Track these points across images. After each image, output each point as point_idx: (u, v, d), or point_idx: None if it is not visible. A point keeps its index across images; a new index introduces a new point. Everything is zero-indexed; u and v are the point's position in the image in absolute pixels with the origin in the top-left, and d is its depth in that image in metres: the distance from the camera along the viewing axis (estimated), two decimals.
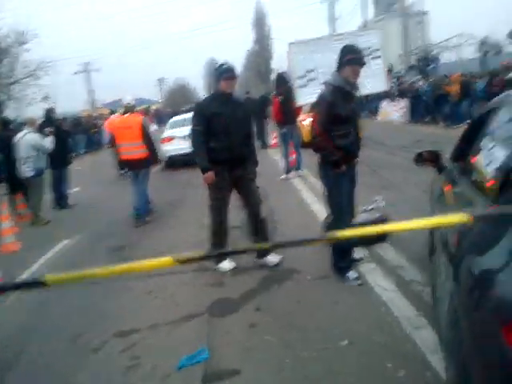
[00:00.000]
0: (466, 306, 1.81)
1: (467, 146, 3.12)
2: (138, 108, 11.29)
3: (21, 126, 9.92)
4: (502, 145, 2.33)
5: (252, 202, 4.77)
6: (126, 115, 7.68)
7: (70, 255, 6.21)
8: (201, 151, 4.59)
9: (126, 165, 7.76)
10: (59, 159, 9.20)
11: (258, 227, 4.77)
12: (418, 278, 3.99)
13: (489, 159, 2.44)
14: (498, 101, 2.86)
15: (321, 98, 4.12)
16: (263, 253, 4.71)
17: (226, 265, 4.74)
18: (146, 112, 15.13)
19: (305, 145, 8.99)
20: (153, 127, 10.89)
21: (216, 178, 4.60)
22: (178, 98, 62.79)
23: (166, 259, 1.63)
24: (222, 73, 4.59)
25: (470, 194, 2.53)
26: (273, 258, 4.71)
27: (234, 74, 4.64)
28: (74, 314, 4.31)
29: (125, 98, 7.99)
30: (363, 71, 4.10)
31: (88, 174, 14.40)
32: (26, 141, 8.26)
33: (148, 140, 7.36)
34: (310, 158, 4.45)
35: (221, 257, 4.66)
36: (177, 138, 13.07)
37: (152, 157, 7.50)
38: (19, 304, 4.49)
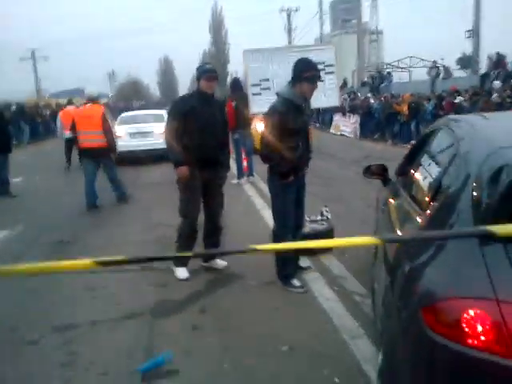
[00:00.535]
0: (397, 298, 2.06)
1: (409, 162, 3.39)
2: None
3: None
4: (435, 163, 2.66)
5: (213, 208, 4.73)
6: (88, 104, 7.96)
7: (9, 247, 5.96)
8: (174, 146, 4.47)
9: (86, 153, 7.84)
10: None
11: (212, 233, 4.77)
12: (359, 289, 4.11)
13: (424, 176, 2.76)
14: (440, 122, 3.17)
15: (272, 108, 4.09)
16: (210, 256, 4.71)
17: (181, 273, 4.55)
18: None
19: (256, 151, 9.05)
20: None
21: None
22: (129, 93, 61.62)
23: (85, 261, 1.59)
24: (202, 72, 4.54)
25: (408, 206, 2.76)
26: (222, 261, 4.73)
27: (215, 75, 4.61)
28: (12, 306, 4.17)
29: (88, 88, 8.18)
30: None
31: (32, 164, 13.81)
32: None
33: (107, 130, 7.64)
34: (262, 165, 4.48)
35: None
36: (126, 135, 12.72)
37: (110, 146, 7.75)
38: None
